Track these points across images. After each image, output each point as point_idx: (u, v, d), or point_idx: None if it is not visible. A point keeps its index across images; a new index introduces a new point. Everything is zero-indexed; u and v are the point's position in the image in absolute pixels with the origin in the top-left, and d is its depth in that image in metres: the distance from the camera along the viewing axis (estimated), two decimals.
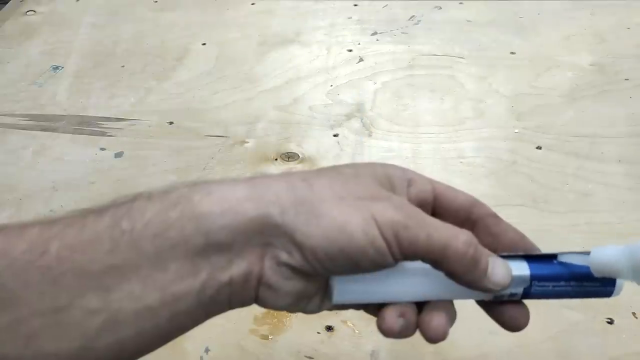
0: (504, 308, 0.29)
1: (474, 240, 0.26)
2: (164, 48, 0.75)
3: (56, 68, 0.73)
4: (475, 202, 0.30)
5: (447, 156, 0.60)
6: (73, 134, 0.65)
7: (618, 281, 0.28)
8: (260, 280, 0.26)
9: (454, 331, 0.29)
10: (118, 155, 0.62)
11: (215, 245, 0.25)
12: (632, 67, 0.68)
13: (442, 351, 0.43)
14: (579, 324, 0.47)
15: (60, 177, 0.59)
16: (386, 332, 0.27)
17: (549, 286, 0.28)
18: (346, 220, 0.25)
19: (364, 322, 0.45)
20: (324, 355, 0.44)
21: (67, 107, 0.68)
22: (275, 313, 0.48)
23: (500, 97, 0.66)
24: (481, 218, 0.30)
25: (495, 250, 0.28)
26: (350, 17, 0.77)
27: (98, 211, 0.25)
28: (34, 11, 0.82)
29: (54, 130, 0.65)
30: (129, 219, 0.24)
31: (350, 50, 0.73)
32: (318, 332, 0.45)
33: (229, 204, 0.25)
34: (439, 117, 0.64)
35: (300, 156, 0.60)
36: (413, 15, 0.77)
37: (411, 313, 0.28)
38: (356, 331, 0.45)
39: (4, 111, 0.68)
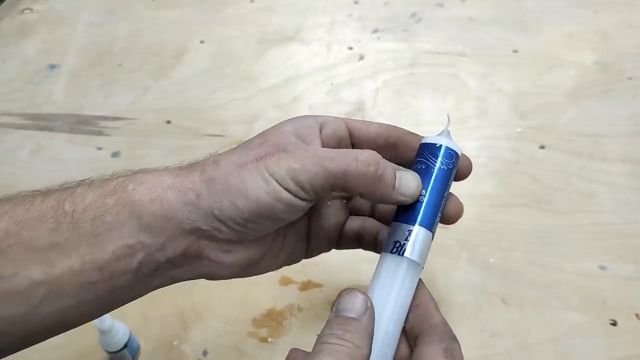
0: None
1: (376, 157, 0.28)
2: (161, 46, 0.74)
3: (53, 67, 0.72)
4: (391, 127, 0.32)
5: None
6: (70, 133, 0.64)
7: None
8: (201, 257, 0.29)
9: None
10: (115, 154, 0.61)
11: (148, 229, 0.27)
12: (636, 65, 0.67)
13: None
14: (581, 325, 0.46)
15: (57, 177, 0.58)
16: None
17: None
18: (248, 186, 0.27)
19: None
20: None
21: (64, 106, 0.67)
22: (274, 316, 0.48)
23: (503, 96, 0.65)
24: (399, 138, 0.32)
25: None
26: (350, 15, 0.77)
27: (45, 192, 0.28)
28: (31, 9, 0.81)
29: (50, 129, 0.65)
30: (71, 202, 0.27)
31: (351, 48, 0.72)
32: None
33: (157, 193, 0.27)
34: (440, 116, 0.63)
35: None
36: (414, 13, 0.76)
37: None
38: None
39: (0, 110, 0.67)
